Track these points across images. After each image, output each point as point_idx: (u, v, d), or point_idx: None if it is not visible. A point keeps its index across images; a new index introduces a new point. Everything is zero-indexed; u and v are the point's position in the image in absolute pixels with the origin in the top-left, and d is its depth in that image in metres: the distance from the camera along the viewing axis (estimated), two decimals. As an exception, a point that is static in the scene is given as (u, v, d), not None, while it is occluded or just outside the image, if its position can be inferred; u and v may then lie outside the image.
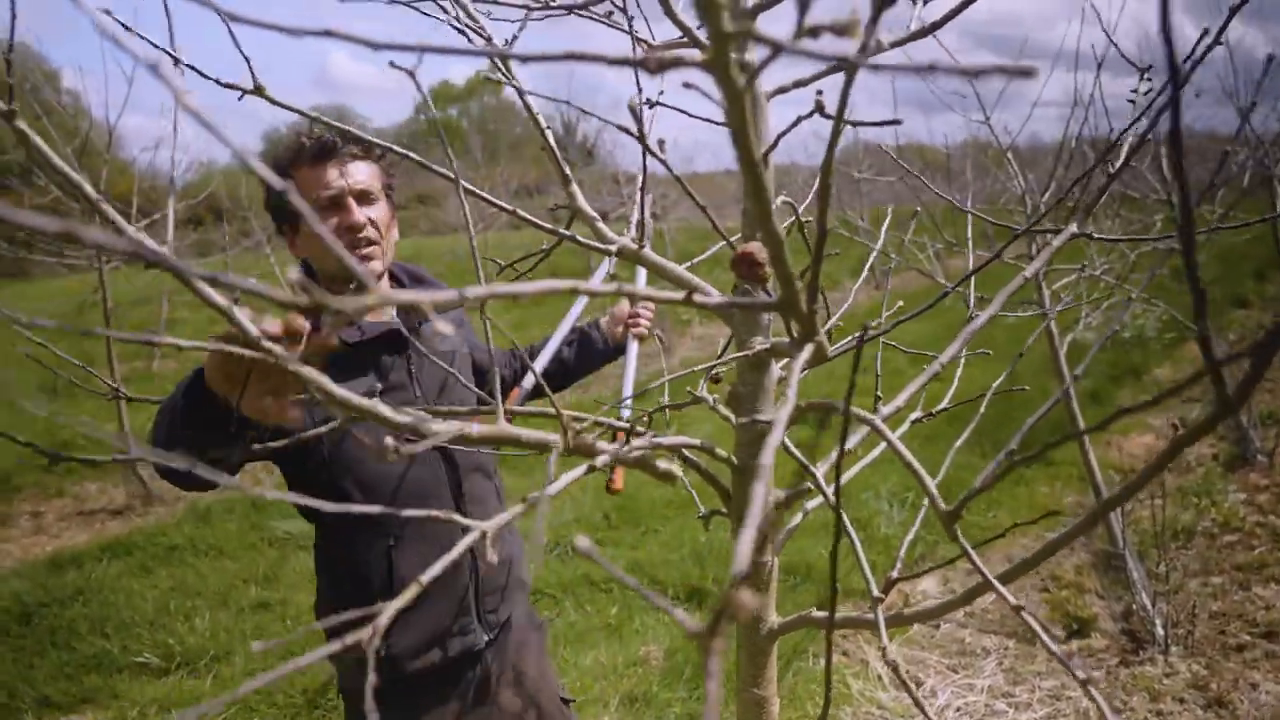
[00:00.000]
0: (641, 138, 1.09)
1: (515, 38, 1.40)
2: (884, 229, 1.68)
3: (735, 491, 1.13)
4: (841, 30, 0.50)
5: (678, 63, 0.48)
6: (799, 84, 1.08)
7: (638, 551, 4.57)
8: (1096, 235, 1.40)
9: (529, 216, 1.38)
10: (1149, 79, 1.73)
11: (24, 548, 5.31)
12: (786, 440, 1.12)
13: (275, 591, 4.35)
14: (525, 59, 0.45)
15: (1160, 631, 3.32)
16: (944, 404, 1.49)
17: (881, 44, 0.69)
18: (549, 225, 1.38)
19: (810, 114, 0.88)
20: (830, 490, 1.13)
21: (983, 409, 1.28)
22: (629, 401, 1.77)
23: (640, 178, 1.41)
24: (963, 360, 1.54)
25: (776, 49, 0.48)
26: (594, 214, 1.40)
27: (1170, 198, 4.79)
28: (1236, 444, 5.25)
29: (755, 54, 1.08)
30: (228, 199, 16.06)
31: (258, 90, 1.10)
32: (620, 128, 1.09)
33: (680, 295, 0.63)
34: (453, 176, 1.04)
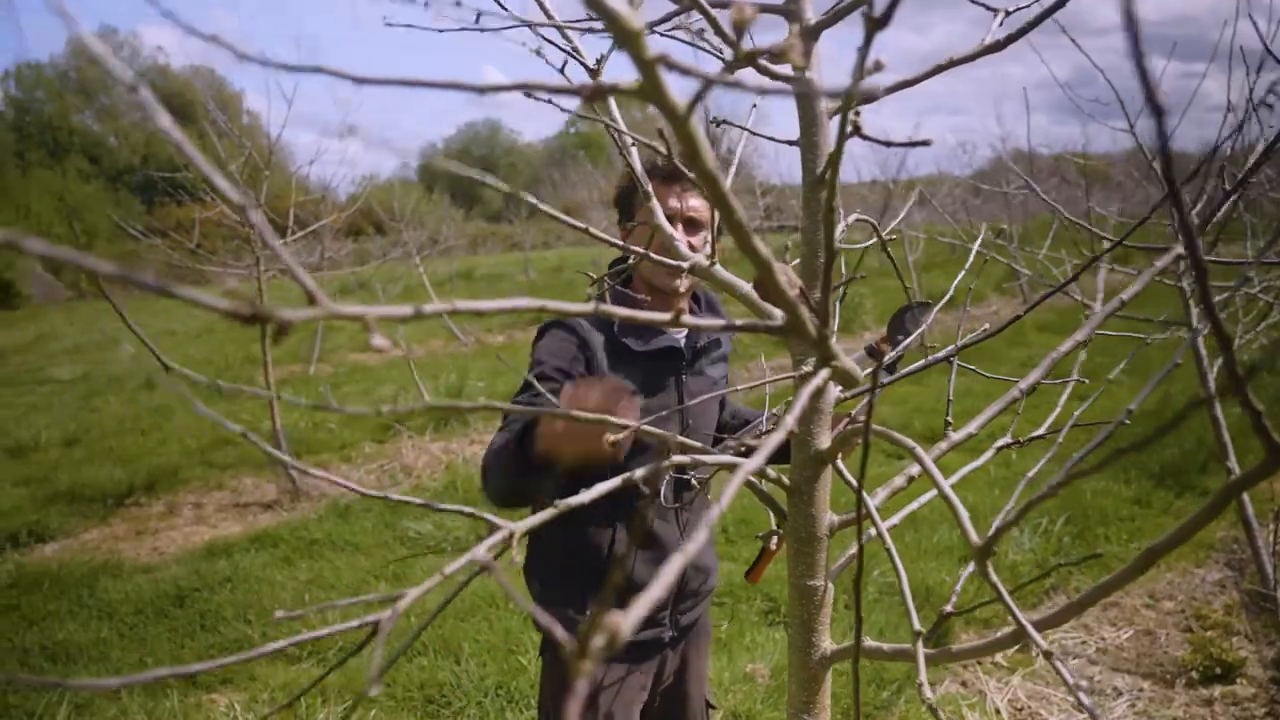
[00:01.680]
0: (665, 156, 1.10)
1: (604, 58, 1.43)
2: (978, 242, 1.61)
3: (790, 512, 1.11)
4: (778, 55, 0.49)
5: (614, 90, 0.49)
6: (863, 101, 1.06)
7: (754, 567, 4.53)
8: (1214, 258, 1.31)
9: (601, 235, 1.40)
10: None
11: (185, 535, 5.73)
12: (840, 465, 1.09)
13: (403, 587, 4.53)
14: (443, 86, 0.46)
15: (1318, 683, 3.04)
16: (1040, 430, 1.43)
17: (881, 65, 0.68)
18: (618, 242, 1.40)
19: (850, 135, 0.86)
20: (889, 519, 1.10)
21: (1060, 439, 1.21)
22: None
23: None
24: (1070, 386, 1.47)
25: (708, 82, 0.48)
26: (671, 230, 1.41)
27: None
28: None
29: (820, 72, 1.07)
30: (382, 211, 16.92)
31: (352, 131, 1.16)
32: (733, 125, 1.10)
33: (667, 317, 0.63)
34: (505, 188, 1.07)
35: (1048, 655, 0.76)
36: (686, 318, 0.66)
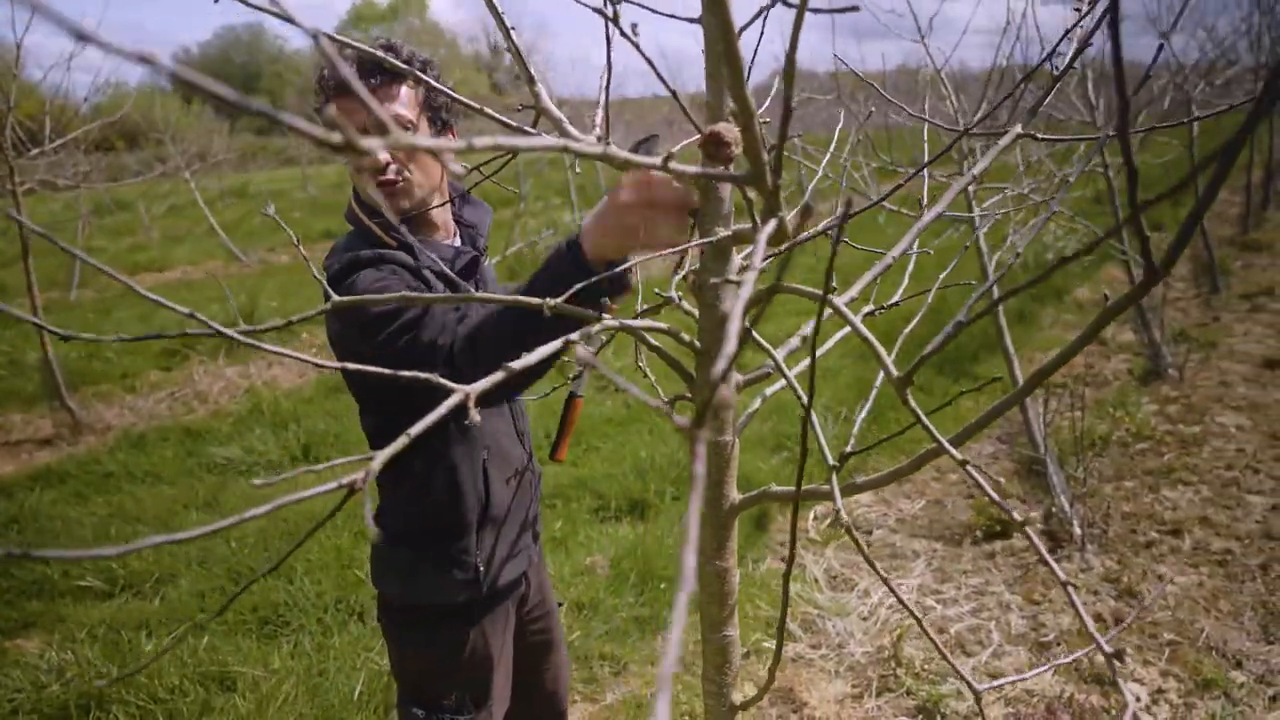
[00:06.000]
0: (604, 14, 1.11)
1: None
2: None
3: (699, 375, 1.18)
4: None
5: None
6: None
7: (580, 468, 4.66)
8: (1040, 135, 1.47)
9: (496, 115, 1.39)
10: (1078, 8, 1.79)
11: (-52, 480, 5.18)
12: (749, 325, 1.18)
13: (217, 516, 4.34)
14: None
15: (1078, 531, 3.53)
16: (895, 299, 1.56)
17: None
18: (514, 124, 1.40)
19: (773, 3, 0.91)
20: (795, 372, 1.19)
21: (930, 301, 1.35)
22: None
23: (605, 75, 1.43)
24: (914, 258, 1.61)
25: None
26: (560, 115, 1.42)
27: (1094, 120, 4.93)
28: (1150, 360, 5.52)
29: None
30: (143, 122, 15.45)
31: None
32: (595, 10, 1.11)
33: (658, 160, 0.67)
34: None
35: (963, 464, 0.88)
36: (674, 164, 0.70)
